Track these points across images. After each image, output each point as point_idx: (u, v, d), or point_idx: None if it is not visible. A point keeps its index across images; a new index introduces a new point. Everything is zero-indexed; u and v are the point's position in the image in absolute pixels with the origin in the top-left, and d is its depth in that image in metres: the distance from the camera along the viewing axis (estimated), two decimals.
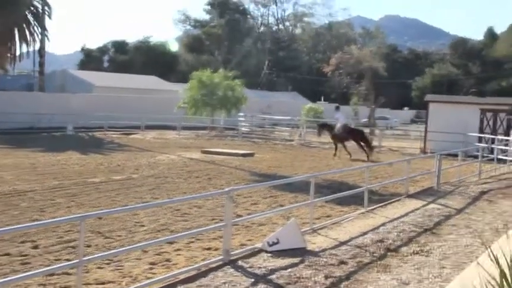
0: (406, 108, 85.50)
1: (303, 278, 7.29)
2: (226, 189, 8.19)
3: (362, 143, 25.00)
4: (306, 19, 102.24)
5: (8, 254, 8.09)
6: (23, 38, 40.49)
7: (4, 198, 12.50)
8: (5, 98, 35.80)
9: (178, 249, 8.71)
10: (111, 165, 19.21)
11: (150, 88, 52.03)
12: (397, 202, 13.45)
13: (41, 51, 43.95)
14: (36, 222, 8.67)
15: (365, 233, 9.93)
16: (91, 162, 19.77)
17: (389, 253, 8.72)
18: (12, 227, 7.52)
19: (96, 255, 7.19)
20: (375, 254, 8.60)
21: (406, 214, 11.87)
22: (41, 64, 45.08)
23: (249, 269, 7.53)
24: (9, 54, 41.31)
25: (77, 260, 5.85)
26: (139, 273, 7.50)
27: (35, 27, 41.35)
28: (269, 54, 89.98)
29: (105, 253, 7.50)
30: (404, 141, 34.78)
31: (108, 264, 7.78)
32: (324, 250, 8.66)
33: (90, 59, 78.80)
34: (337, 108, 27.63)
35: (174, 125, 36.86)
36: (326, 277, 7.37)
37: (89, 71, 60.00)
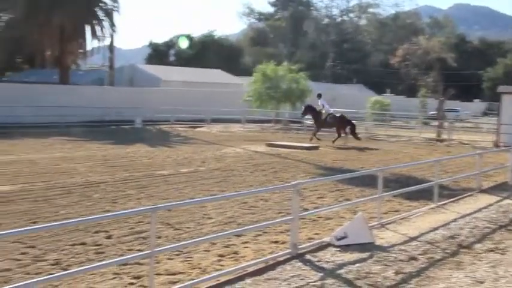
0: (477, 100, 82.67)
1: (372, 273, 7.18)
2: (293, 182, 8.16)
3: (348, 131, 27.02)
4: (371, 10, 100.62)
5: (83, 244, 8.38)
6: (94, 34, 41.92)
7: (78, 189, 12.95)
8: (77, 92, 37.06)
9: (246, 242, 8.76)
10: (179, 158, 19.55)
11: (215, 82, 52.57)
12: (469, 197, 13.04)
13: (111, 47, 45.27)
14: (109, 213, 8.92)
15: (436, 229, 9.68)
16: (159, 155, 20.19)
17: (461, 250, 8.47)
18: (87, 218, 7.76)
19: (167, 247, 7.32)
20: (446, 251, 8.37)
21: (479, 210, 11.48)
22: (111, 59, 46.41)
23: (317, 263, 7.49)
24: (80, 50, 42.88)
25: (149, 251, 5.98)
26: (208, 264, 7.60)
27: (105, 24, 42.74)
28: (333, 46, 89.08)
29: (176, 244, 7.64)
30: (475, 134, 33.65)
31: (177, 255, 7.91)
32: (393, 245, 8.50)
33: (157, 54, 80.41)
34: (320, 95, 28.71)
35: (238, 118, 37.14)
36: (396, 273, 7.24)
37: (156, 65, 61.27)
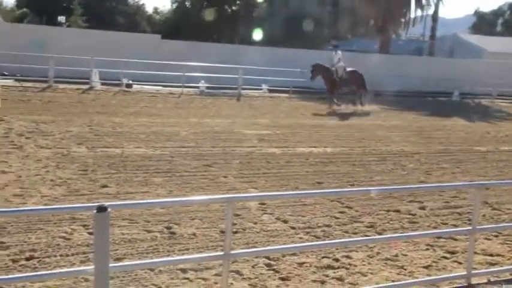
0: None
1: None
2: None
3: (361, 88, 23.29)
4: None
5: (397, 211, 8.51)
6: (419, 3, 41.51)
7: (393, 157, 13.16)
8: (397, 61, 37.29)
9: None
10: (499, 134, 18.34)
11: None
12: None
13: (434, 16, 44.18)
14: (427, 185, 8.86)
15: None
16: (477, 130, 19.24)
17: None
18: (404, 187, 7.85)
19: (488, 226, 6.97)
20: None
21: None
22: (433, 28, 45.35)
23: None
24: (403, 19, 42.98)
25: (470, 228, 5.74)
26: None
27: None
28: None
29: (498, 225, 7.21)
30: None
31: (496, 236, 7.45)
32: None
33: (483, 23, 75.74)
34: (336, 47, 23.20)
35: None
36: None
37: (480, 36, 57.76)
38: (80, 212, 6.96)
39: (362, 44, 48.99)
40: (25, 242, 6.22)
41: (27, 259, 5.78)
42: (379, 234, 7.34)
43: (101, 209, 3.72)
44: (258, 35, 38.81)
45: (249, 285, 5.62)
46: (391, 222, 7.96)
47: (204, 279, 5.66)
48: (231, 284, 5.50)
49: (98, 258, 3.75)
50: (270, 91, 26.90)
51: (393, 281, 5.77)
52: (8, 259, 5.75)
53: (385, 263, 6.37)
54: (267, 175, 10.40)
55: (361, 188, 9.27)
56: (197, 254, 6.23)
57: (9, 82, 22.03)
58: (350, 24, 48.19)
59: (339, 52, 22.99)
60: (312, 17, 40.96)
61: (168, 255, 6.16)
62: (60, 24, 38.65)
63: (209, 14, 42.14)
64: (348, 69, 23.07)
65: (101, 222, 3.74)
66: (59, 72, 22.39)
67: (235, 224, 7.20)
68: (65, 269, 5.41)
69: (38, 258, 5.83)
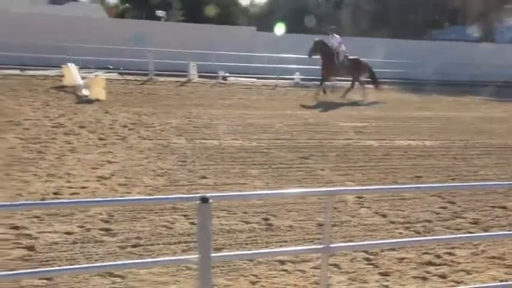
0: None
1: None
2: None
3: (367, 78, 21.90)
4: None
5: (503, 207, 8.11)
6: None
7: (497, 151, 12.56)
8: (501, 50, 35.38)
9: None
10: None
11: None
12: None
13: None
14: None
15: None
16: None
17: None
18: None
19: None
20: None
21: None
22: None
23: None
24: (508, 6, 40.78)
25: None
26: None
27: None
28: None
29: None
30: None
31: None
32: None
33: None
34: (333, 30, 20.93)
35: None
36: None
37: None
38: (182, 202, 7.17)
39: (461, 33, 46.88)
40: (131, 230, 6.50)
41: (133, 246, 6.04)
42: (485, 231, 7.03)
43: (204, 200, 3.81)
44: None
45: (348, 279, 5.57)
46: (496, 219, 7.60)
47: (302, 271, 5.67)
48: (330, 277, 5.47)
49: (201, 247, 3.84)
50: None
51: (501, 281, 5.51)
52: (116, 246, 6.03)
53: (492, 262, 6.10)
54: (364, 168, 10.24)
55: (465, 184, 8.92)
56: (295, 246, 6.24)
57: (113, 75, 23.06)
58: (449, 12, 46.33)
59: (337, 36, 21.16)
60: (412, 5, 39.75)
61: (266, 247, 6.22)
62: (159, 18, 39.95)
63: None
64: (350, 57, 21.31)
65: (204, 213, 3.82)
66: (158, 66, 23.18)
67: (333, 217, 7.14)
68: (168, 257, 5.60)
69: (142, 245, 6.07)
